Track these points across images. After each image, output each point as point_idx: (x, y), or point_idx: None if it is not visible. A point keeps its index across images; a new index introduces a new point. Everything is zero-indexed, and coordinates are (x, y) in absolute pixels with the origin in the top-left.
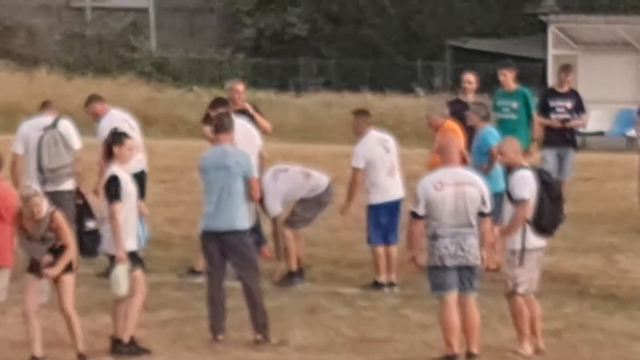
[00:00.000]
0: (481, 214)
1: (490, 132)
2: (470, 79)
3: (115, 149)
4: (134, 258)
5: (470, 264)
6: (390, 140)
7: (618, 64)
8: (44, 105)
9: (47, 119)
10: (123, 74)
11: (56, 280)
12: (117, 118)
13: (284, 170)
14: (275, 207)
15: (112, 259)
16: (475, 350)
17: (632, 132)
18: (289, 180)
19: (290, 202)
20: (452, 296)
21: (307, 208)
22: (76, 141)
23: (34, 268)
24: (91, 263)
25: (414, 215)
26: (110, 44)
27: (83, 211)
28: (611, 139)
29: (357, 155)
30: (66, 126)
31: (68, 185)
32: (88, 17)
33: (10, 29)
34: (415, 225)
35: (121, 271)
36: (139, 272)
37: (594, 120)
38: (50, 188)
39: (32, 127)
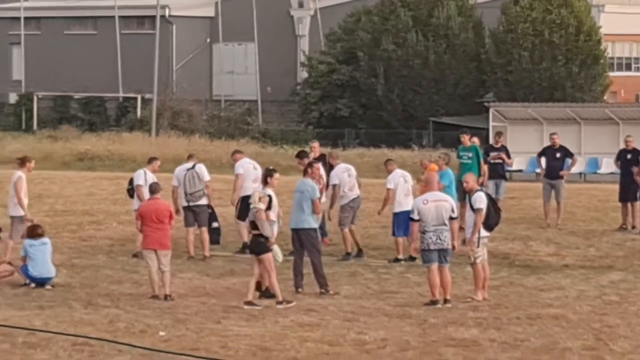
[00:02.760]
0: (451, 218)
1: (449, 172)
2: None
3: (269, 179)
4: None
5: (445, 248)
6: (408, 175)
7: (529, 130)
8: (189, 157)
9: (189, 164)
10: (242, 138)
11: None
12: (247, 162)
13: (351, 174)
14: (334, 180)
15: (264, 239)
16: (448, 297)
17: (538, 170)
18: (345, 180)
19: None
20: (435, 266)
21: (344, 211)
22: (206, 176)
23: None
24: (223, 247)
25: (412, 219)
26: (235, 120)
27: (211, 217)
28: (526, 174)
29: (390, 182)
30: (200, 167)
31: (203, 201)
32: (222, 105)
33: (178, 113)
34: (414, 225)
35: (277, 248)
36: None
37: (516, 163)
38: (192, 203)
39: (181, 169)
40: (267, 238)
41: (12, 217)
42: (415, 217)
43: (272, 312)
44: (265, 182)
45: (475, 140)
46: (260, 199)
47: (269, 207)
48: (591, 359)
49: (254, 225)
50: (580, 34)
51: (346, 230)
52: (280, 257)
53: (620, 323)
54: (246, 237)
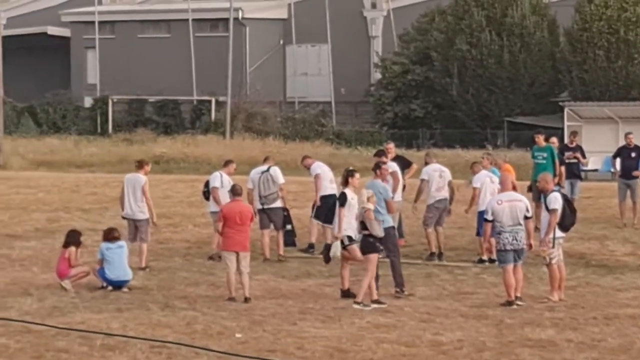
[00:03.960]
0: (525, 217)
1: (496, 172)
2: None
3: (350, 179)
4: (351, 239)
5: (521, 248)
6: (495, 176)
7: (605, 130)
8: (265, 159)
9: (264, 167)
10: (317, 140)
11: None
12: (321, 165)
13: (443, 176)
14: (423, 176)
15: (373, 239)
16: (519, 294)
17: (613, 169)
18: (436, 180)
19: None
20: (510, 267)
21: (429, 211)
22: (280, 179)
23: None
24: (298, 249)
25: (486, 220)
26: (309, 122)
27: (286, 219)
28: (602, 174)
29: (476, 181)
30: (274, 170)
31: (277, 204)
32: (296, 107)
33: (252, 115)
34: (488, 226)
35: (338, 245)
36: (354, 246)
37: (591, 163)
38: (266, 206)
39: (256, 172)
40: (376, 238)
41: (139, 220)
42: (490, 217)
43: (348, 313)
44: (346, 183)
45: (554, 140)
46: (368, 199)
47: (342, 205)
48: None
49: (363, 226)
50: None
51: (430, 230)
52: (337, 254)
53: None
54: (314, 238)
